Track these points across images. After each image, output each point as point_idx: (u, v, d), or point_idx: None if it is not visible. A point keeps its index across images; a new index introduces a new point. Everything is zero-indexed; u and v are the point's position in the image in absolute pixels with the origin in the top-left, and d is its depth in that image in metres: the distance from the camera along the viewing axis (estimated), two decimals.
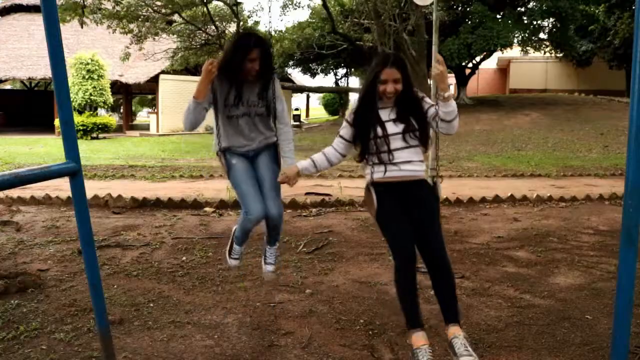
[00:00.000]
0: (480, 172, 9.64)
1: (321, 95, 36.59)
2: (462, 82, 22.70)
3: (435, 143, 2.82)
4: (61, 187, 6.62)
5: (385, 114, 2.50)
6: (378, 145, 2.45)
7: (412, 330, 2.25)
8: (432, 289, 2.37)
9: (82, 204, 1.96)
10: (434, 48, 7.44)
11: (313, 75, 28.59)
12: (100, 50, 19.26)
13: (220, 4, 16.11)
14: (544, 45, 21.13)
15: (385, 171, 2.44)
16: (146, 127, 23.11)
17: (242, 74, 2.64)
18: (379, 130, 2.45)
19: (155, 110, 21.24)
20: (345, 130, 2.56)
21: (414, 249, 2.29)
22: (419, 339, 2.23)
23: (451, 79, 28.87)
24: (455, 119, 2.44)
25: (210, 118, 2.82)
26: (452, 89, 31.34)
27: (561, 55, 22.63)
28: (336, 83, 31.24)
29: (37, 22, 21.36)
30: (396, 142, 2.45)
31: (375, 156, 2.46)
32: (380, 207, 2.41)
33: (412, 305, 2.28)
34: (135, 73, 20.41)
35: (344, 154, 2.60)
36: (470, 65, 22.64)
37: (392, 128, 2.47)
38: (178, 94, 19.46)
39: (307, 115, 35.85)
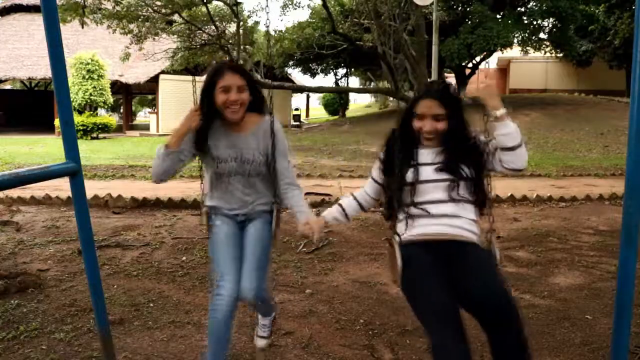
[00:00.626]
0: None
1: (321, 95, 36.59)
2: (462, 82, 22.69)
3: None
4: (61, 187, 6.62)
5: (427, 156, 1.99)
6: (411, 194, 1.93)
7: None
8: (491, 351, 1.79)
9: (82, 204, 1.96)
10: (434, 48, 7.44)
11: (313, 75, 28.61)
12: (100, 50, 19.25)
13: (220, 4, 16.11)
14: (544, 45, 21.13)
15: (418, 226, 1.91)
16: (146, 127, 23.11)
17: (220, 113, 2.11)
18: (414, 175, 1.94)
19: (155, 110, 21.24)
20: (377, 171, 2.11)
21: (462, 326, 1.70)
22: None
23: (451, 79, 28.90)
24: (522, 145, 1.87)
25: None
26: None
27: (561, 55, 22.62)
28: (336, 83, 31.24)
29: (37, 22, 21.35)
30: (437, 193, 1.93)
31: (406, 208, 1.93)
32: (408, 268, 1.82)
33: None
34: (135, 73, 20.40)
35: (376, 198, 2.15)
36: (470, 65, 22.65)
37: (432, 174, 1.95)
38: (178, 94, 19.45)
39: (307, 115, 35.84)
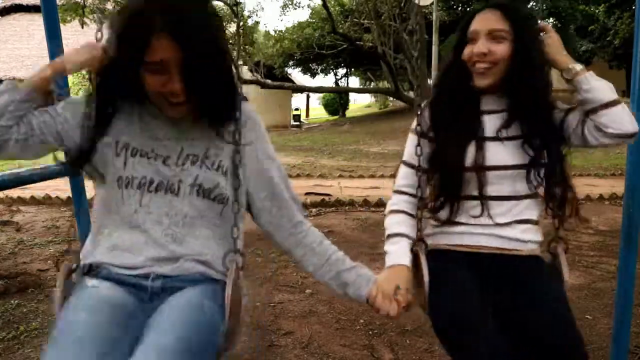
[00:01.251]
0: None
1: (321, 95, 36.59)
2: None
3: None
4: (61, 187, 6.62)
5: (490, 120, 1.39)
6: (465, 180, 1.36)
7: None
8: None
9: (82, 204, 1.96)
10: (434, 48, 7.44)
11: (313, 75, 28.61)
12: None
13: (220, 4, 16.11)
14: None
15: (460, 233, 1.41)
16: None
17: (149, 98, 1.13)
18: (474, 149, 1.35)
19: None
20: (415, 155, 1.41)
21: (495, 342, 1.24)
22: None
23: None
24: (617, 103, 1.28)
25: None
26: None
27: None
28: (336, 83, 31.25)
29: (37, 22, 21.34)
30: (500, 182, 1.36)
31: (448, 202, 1.39)
32: (438, 284, 1.32)
33: None
34: None
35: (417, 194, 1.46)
36: None
37: (500, 153, 1.36)
38: None
39: (307, 115, 35.87)
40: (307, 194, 6.97)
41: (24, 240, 4.68)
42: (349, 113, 32.16)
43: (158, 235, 1.16)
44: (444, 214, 1.44)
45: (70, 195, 1.95)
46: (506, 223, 1.39)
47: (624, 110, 1.30)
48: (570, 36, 20.68)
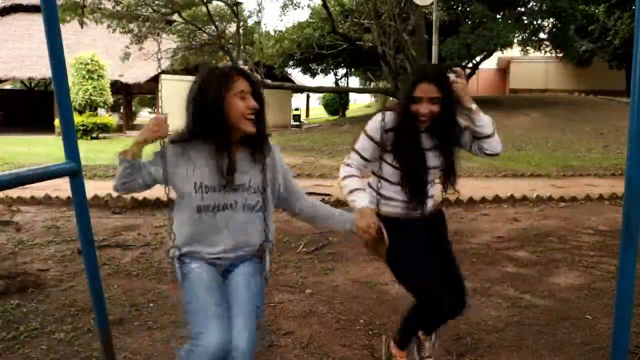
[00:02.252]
0: (480, 172, 9.63)
1: (321, 95, 36.58)
2: None
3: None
4: (61, 187, 6.61)
5: (425, 141, 2.10)
6: (420, 181, 2.09)
7: (401, 349, 2.33)
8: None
9: (82, 204, 1.96)
10: (434, 48, 7.45)
11: (313, 75, 28.59)
12: (100, 50, 19.25)
13: (221, 4, 16.13)
14: (544, 45, 21.14)
15: (408, 208, 2.11)
16: None
17: (231, 125, 1.73)
18: (420, 162, 2.08)
19: (155, 110, 21.24)
20: (370, 151, 2.11)
21: (446, 296, 2.07)
22: (403, 353, 2.35)
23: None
24: (495, 133, 2.09)
25: None
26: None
27: (561, 55, 22.63)
28: (336, 83, 31.24)
29: (37, 22, 21.33)
30: (430, 177, 2.13)
31: (402, 187, 2.09)
32: (395, 245, 1.99)
33: (413, 335, 2.32)
34: (135, 73, 20.40)
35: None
36: (470, 65, 22.65)
37: (432, 160, 2.11)
38: (178, 94, 19.34)
39: (307, 115, 35.84)
40: (306, 193, 6.97)
41: (24, 240, 4.68)
42: (349, 113, 32.15)
43: (225, 236, 1.83)
44: (400, 193, 2.13)
45: (70, 195, 1.95)
46: (431, 197, 2.19)
47: (497, 138, 2.11)
48: (570, 36, 20.69)
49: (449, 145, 2.09)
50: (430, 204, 2.17)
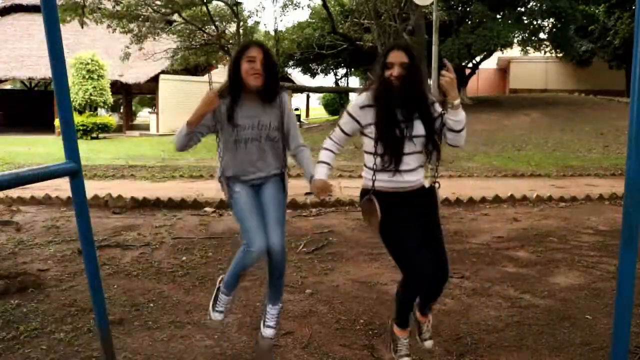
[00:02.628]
0: (480, 172, 9.64)
1: (321, 95, 36.57)
2: (462, 82, 22.68)
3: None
4: (61, 187, 6.62)
5: (403, 114, 2.34)
6: (390, 147, 2.28)
7: (401, 327, 2.42)
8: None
9: (82, 204, 1.96)
10: (434, 48, 7.44)
11: (313, 75, 28.59)
12: (100, 50, 19.26)
13: (221, 4, 16.13)
14: (544, 45, 21.14)
15: (391, 180, 2.32)
16: (146, 127, 23.10)
17: (244, 81, 2.44)
18: (396, 131, 2.29)
19: (156, 110, 21.25)
20: (349, 125, 2.39)
21: (429, 266, 2.24)
22: (404, 332, 2.43)
23: None
24: (464, 130, 2.32)
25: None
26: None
27: (561, 55, 22.63)
28: (336, 83, 31.23)
29: (37, 22, 21.35)
30: (405, 147, 2.31)
31: (382, 160, 2.30)
32: (385, 218, 2.27)
33: (408, 310, 2.41)
34: (135, 73, 20.41)
35: (343, 146, 2.54)
36: (470, 65, 22.65)
37: (414, 129, 2.32)
38: (178, 94, 19.46)
39: (307, 115, 35.82)
40: (307, 194, 6.96)
41: (24, 240, 4.68)
42: None
43: (255, 161, 2.54)
44: (382, 166, 2.34)
45: (70, 195, 1.95)
46: (411, 170, 2.34)
47: (464, 133, 2.34)
48: (570, 36, 20.69)
49: (427, 114, 2.32)
50: (414, 177, 2.33)
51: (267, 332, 2.57)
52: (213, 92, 2.42)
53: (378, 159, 2.30)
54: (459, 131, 2.31)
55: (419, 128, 2.31)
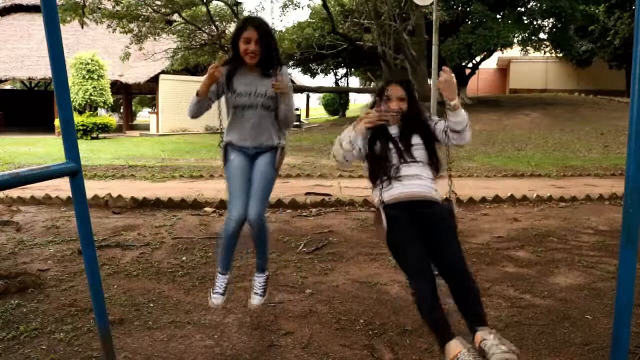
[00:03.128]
0: (480, 172, 9.64)
1: (321, 95, 36.56)
2: (462, 82, 22.68)
3: (446, 158, 2.57)
4: (61, 187, 6.62)
5: (392, 130, 2.47)
6: (386, 160, 2.37)
7: (443, 346, 1.96)
8: (454, 301, 2.14)
9: (82, 204, 1.96)
10: (434, 48, 7.43)
11: (313, 75, 28.60)
12: (100, 50, 19.26)
13: (221, 4, 16.13)
14: (544, 45, 21.14)
15: (392, 188, 2.34)
16: (146, 127, 23.11)
17: (242, 58, 2.63)
18: (387, 145, 2.39)
19: (156, 110, 21.25)
20: (359, 140, 2.44)
21: (432, 272, 2.17)
22: (457, 346, 1.90)
23: None
24: (467, 129, 2.35)
25: (210, 117, 2.97)
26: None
27: (561, 55, 22.63)
28: (336, 83, 31.24)
29: (37, 22, 21.37)
30: (403, 156, 2.38)
31: (383, 173, 2.37)
32: (391, 229, 2.27)
33: (440, 320, 2.02)
34: (135, 73, 20.41)
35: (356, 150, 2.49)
36: (470, 65, 22.66)
37: (412, 139, 2.41)
38: (178, 94, 19.47)
39: (307, 115, 35.81)
40: (307, 194, 6.97)
41: (24, 240, 4.68)
42: (349, 113, 32.12)
43: (250, 128, 2.68)
44: (384, 178, 2.39)
45: (70, 195, 1.95)
46: (414, 175, 2.37)
47: (468, 132, 2.36)
48: (570, 36, 20.68)
49: (414, 130, 2.42)
50: (418, 187, 2.33)
51: (254, 301, 2.80)
52: (216, 64, 2.58)
53: (377, 172, 2.38)
54: (461, 131, 2.34)
55: (415, 139, 2.41)
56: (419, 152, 2.39)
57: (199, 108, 2.69)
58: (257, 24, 2.62)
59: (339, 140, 2.45)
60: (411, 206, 2.30)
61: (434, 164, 2.44)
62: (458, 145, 2.43)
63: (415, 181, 2.33)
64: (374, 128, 2.42)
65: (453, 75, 2.29)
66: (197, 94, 2.63)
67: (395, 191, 2.33)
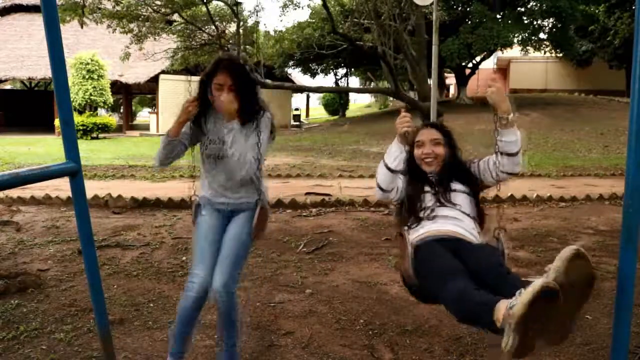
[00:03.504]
0: None
1: (321, 95, 36.58)
2: (462, 82, 22.69)
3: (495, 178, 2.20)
4: (61, 187, 6.62)
5: (430, 175, 2.23)
6: (419, 201, 2.11)
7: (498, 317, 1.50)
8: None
9: (82, 204, 1.96)
10: (434, 48, 7.43)
11: (313, 75, 28.61)
12: (100, 50, 19.25)
13: (221, 4, 16.11)
14: (544, 45, 21.15)
15: (422, 227, 2.05)
16: (146, 127, 23.12)
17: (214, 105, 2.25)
18: (423, 186, 2.15)
19: (155, 110, 21.25)
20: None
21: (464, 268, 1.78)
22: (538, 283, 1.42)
23: (451, 79, 28.90)
24: (520, 153, 1.95)
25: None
26: (452, 89, 31.34)
27: (561, 55, 22.63)
28: (336, 83, 31.24)
29: (37, 22, 21.36)
30: (440, 199, 2.11)
31: (413, 214, 2.11)
32: (417, 256, 1.91)
33: (483, 300, 1.60)
34: (135, 73, 20.41)
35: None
36: (470, 65, 22.67)
37: (435, 186, 2.16)
38: (178, 94, 19.45)
39: (307, 115, 35.83)
40: (307, 194, 6.97)
41: (24, 240, 4.68)
42: (349, 113, 32.15)
43: (224, 182, 2.31)
44: (415, 221, 2.15)
45: (70, 195, 1.95)
46: (452, 217, 2.10)
47: (520, 157, 1.94)
48: (570, 36, 20.69)
49: (465, 173, 2.16)
50: (451, 223, 2.02)
51: None
52: (192, 98, 2.22)
53: (407, 213, 2.15)
54: (515, 154, 1.94)
55: (456, 185, 2.16)
56: (460, 198, 2.10)
57: (169, 152, 2.24)
58: (231, 65, 2.21)
59: (383, 164, 2.14)
60: (445, 240, 1.94)
61: (478, 216, 2.11)
62: (511, 174, 2.02)
63: (450, 221, 2.02)
64: (411, 170, 2.19)
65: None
66: (168, 134, 2.22)
67: (424, 230, 2.02)
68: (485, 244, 1.99)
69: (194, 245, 2.29)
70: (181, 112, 2.21)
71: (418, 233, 2.03)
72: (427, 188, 2.17)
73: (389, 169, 2.11)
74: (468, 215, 2.08)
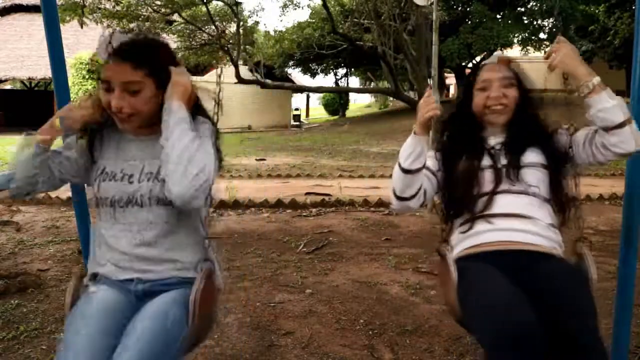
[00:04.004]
0: None
1: (321, 95, 36.59)
2: (462, 82, 22.66)
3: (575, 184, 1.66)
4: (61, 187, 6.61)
5: (492, 139, 1.64)
6: (473, 182, 1.55)
7: None
8: None
9: (82, 204, 1.96)
10: (434, 48, 7.44)
11: (313, 75, 28.62)
12: None
13: (220, 3, 16.12)
14: (544, 45, 21.15)
15: (472, 233, 1.53)
16: None
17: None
18: (481, 158, 1.57)
19: None
20: (431, 160, 1.66)
21: (532, 316, 1.24)
22: None
23: (451, 79, 28.91)
24: (629, 122, 1.40)
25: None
26: (452, 89, 31.33)
27: None
28: (336, 83, 31.26)
29: (37, 22, 21.34)
30: (503, 179, 1.54)
31: (462, 205, 1.57)
32: (463, 277, 1.43)
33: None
34: None
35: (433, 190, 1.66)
36: (470, 65, 22.67)
37: (500, 157, 1.58)
38: None
39: (307, 115, 35.86)
40: (307, 194, 6.97)
41: (24, 240, 4.68)
42: (349, 113, 32.16)
43: (133, 242, 1.35)
44: (465, 218, 1.62)
45: (70, 195, 1.95)
46: (518, 215, 1.56)
47: (632, 128, 1.41)
48: (570, 36, 20.69)
49: (545, 136, 1.60)
50: (518, 228, 1.49)
51: None
52: (96, 97, 1.38)
53: (453, 202, 1.62)
54: (623, 124, 1.39)
55: (531, 155, 1.56)
56: (533, 175, 1.53)
57: (26, 169, 1.39)
58: (124, 52, 1.32)
59: (396, 165, 1.57)
60: (504, 259, 1.44)
61: (558, 199, 1.56)
62: (624, 153, 1.43)
63: (516, 224, 1.48)
64: (460, 132, 1.63)
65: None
66: (39, 140, 1.42)
67: (476, 240, 1.52)
68: (566, 264, 1.55)
69: (64, 340, 1.24)
70: (77, 107, 1.41)
71: (463, 246, 1.54)
72: (485, 162, 1.57)
73: (402, 169, 1.54)
74: (545, 200, 1.53)
